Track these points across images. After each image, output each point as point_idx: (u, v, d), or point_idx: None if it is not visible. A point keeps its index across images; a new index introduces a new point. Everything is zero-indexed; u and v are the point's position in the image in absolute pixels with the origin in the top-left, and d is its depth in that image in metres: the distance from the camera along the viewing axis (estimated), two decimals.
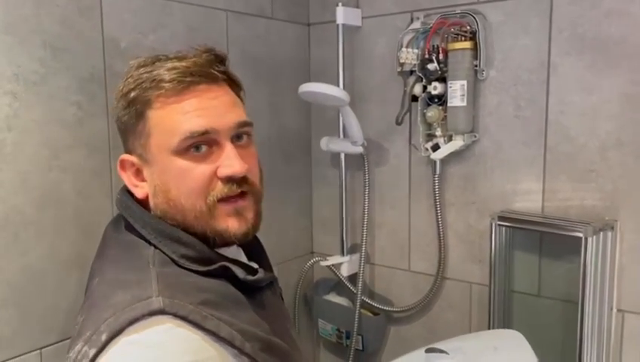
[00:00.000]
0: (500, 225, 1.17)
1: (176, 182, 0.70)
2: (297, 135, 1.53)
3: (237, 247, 0.80)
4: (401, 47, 1.30)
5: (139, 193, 0.74)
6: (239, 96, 0.77)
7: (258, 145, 1.40)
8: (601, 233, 1.07)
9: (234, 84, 0.76)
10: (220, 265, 0.69)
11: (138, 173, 0.74)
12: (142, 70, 0.72)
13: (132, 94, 0.71)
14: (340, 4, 1.36)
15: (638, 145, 1.07)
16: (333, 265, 1.45)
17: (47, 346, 0.99)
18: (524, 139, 1.20)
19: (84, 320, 0.66)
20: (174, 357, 0.60)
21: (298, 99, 1.28)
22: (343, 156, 1.44)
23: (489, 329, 1.22)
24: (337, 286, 1.53)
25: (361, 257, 1.42)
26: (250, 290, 0.72)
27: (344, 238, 1.46)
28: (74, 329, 0.69)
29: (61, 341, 1.00)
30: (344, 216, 1.45)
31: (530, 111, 1.18)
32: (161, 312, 0.61)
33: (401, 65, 1.32)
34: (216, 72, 0.72)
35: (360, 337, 1.43)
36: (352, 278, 1.45)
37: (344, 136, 1.41)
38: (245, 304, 0.70)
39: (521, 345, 0.99)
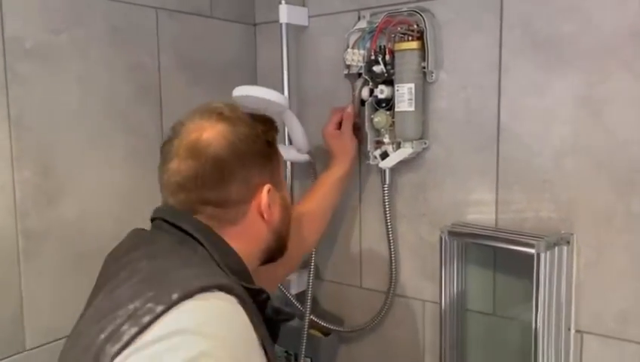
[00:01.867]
0: (450, 238, 1.08)
1: (285, 214, 0.87)
2: None
3: None
4: (347, 47, 1.21)
5: (274, 218, 0.84)
6: None
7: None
8: (556, 248, 0.98)
9: None
10: (259, 288, 0.73)
11: (274, 201, 0.83)
12: (252, 117, 0.84)
13: (269, 134, 0.85)
14: (283, 1, 1.26)
15: (595, 152, 0.98)
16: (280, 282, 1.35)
17: None
18: (476, 146, 1.11)
19: (137, 289, 0.65)
20: (237, 327, 0.64)
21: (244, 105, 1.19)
22: (289, 165, 1.34)
23: (441, 349, 1.13)
24: (287, 303, 1.42)
25: (309, 274, 1.32)
26: (271, 321, 0.77)
27: None
28: (110, 301, 0.67)
29: None
30: None
31: (482, 116, 1.10)
32: (229, 290, 0.65)
33: (348, 67, 1.23)
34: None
35: (309, 359, 1.33)
36: (301, 296, 1.35)
37: (290, 143, 1.31)
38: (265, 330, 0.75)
39: None
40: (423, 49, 1.11)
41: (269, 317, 0.75)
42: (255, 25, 1.43)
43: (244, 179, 0.76)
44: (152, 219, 0.79)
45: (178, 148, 0.75)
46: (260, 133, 0.80)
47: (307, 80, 1.35)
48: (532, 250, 0.96)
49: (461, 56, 1.11)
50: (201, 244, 0.73)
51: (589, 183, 0.99)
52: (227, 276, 0.70)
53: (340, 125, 1.20)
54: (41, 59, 0.97)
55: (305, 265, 1.35)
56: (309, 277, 1.32)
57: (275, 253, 0.85)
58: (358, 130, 1.22)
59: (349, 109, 1.20)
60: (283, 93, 1.30)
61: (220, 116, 0.77)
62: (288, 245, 0.89)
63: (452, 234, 1.08)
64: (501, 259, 1.10)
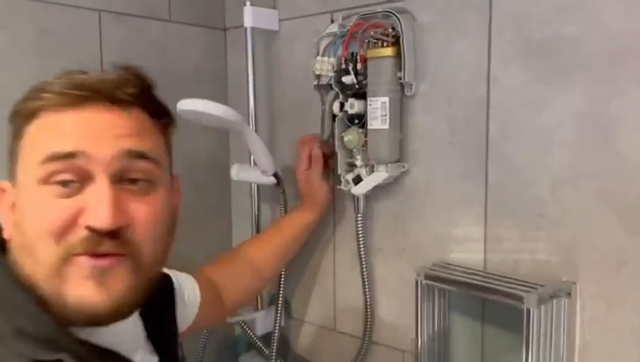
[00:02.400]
0: (428, 284, 0.91)
1: (30, 218, 0.52)
2: (212, 161, 1.28)
3: (135, 324, 0.62)
4: (317, 55, 1.05)
5: (7, 237, 0.56)
6: (164, 133, 0.61)
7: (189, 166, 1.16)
8: (554, 301, 0.80)
9: (157, 117, 0.60)
10: (55, 360, 0.50)
11: (13, 206, 0.55)
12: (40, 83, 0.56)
13: (14, 108, 0.56)
14: (247, 3, 1.11)
15: (602, 180, 0.79)
16: (244, 321, 1.19)
17: None
18: (462, 172, 0.93)
19: None
20: None
21: None
22: (255, 187, 1.19)
23: None
24: (253, 347, 1.26)
25: (277, 313, 1.15)
26: None
27: None
28: None
29: None
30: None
31: (468, 136, 0.92)
32: None
33: (318, 77, 1.06)
34: (124, 94, 0.55)
35: None
36: (269, 338, 1.18)
37: (254, 163, 1.15)
38: None
39: None
40: (399, 56, 0.94)
41: None
42: (225, 30, 1.28)
43: None
44: None
45: None
46: (13, 109, 0.56)
47: (278, 90, 1.19)
48: (521, 305, 0.77)
49: (444, 65, 0.93)
50: None
51: (593, 219, 0.80)
52: (3, 339, 0.50)
53: (310, 161, 1.05)
54: None
55: (272, 301, 1.19)
56: (277, 316, 1.15)
57: (53, 311, 0.53)
58: (330, 159, 1.06)
59: (316, 149, 1.04)
60: (249, 104, 1.15)
61: None
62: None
63: (430, 278, 0.90)
64: (490, 308, 0.92)
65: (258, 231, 1.19)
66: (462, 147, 0.93)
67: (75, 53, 1.01)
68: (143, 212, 0.54)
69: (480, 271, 0.90)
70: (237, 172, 1.15)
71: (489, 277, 0.86)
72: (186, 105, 0.93)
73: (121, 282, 0.53)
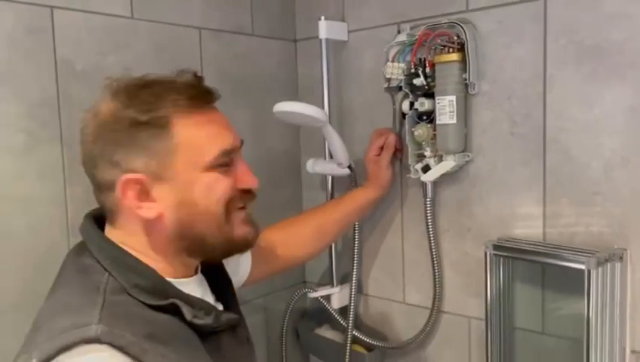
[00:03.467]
0: (495, 254, 1.06)
1: (205, 194, 0.71)
2: (285, 157, 1.44)
3: (202, 280, 0.80)
4: (387, 61, 1.21)
5: (148, 213, 0.70)
6: None
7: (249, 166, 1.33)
8: (608, 264, 0.94)
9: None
10: (170, 303, 0.68)
11: (143, 193, 0.70)
12: (141, 92, 0.70)
13: (145, 116, 0.68)
14: (322, 17, 1.27)
15: None
16: (322, 296, 1.35)
17: None
18: (522, 159, 1.08)
19: (25, 343, 0.65)
20: None
21: None
22: (330, 179, 1.34)
23: None
24: (331, 318, 1.42)
25: (351, 288, 1.31)
26: (203, 332, 0.71)
27: (333, 267, 1.35)
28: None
29: None
30: (334, 243, 1.35)
31: (527, 128, 1.07)
32: (97, 341, 0.59)
33: (388, 80, 1.22)
34: (216, 92, 0.76)
35: None
36: (344, 311, 1.34)
37: (330, 157, 1.31)
38: (196, 345, 0.69)
39: None
40: (464, 61, 1.09)
41: (193, 325, 0.69)
42: (295, 41, 1.44)
43: (107, 164, 0.69)
44: None
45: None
46: (135, 113, 0.68)
47: (347, 94, 1.35)
48: (582, 266, 0.92)
49: (504, 67, 1.09)
50: (105, 268, 0.69)
51: None
52: (124, 293, 0.67)
53: (381, 149, 1.20)
54: (90, 80, 1.01)
55: (347, 279, 1.34)
56: (352, 291, 1.31)
57: (210, 254, 0.77)
58: (399, 151, 1.22)
59: (391, 139, 1.20)
60: (323, 107, 1.30)
61: (109, 90, 0.71)
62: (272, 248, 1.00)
63: (498, 249, 1.05)
64: (550, 274, 1.06)
65: None
66: (521, 138, 1.08)
67: (182, 66, 1.17)
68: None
69: (540, 242, 1.05)
70: (312, 166, 1.31)
71: (550, 246, 1.01)
72: (283, 107, 1.09)
73: (254, 222, 0.79)
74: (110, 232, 0.74)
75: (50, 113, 0.97)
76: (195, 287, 0.77)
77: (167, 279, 0.72)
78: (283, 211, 1.43)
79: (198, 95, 0.72)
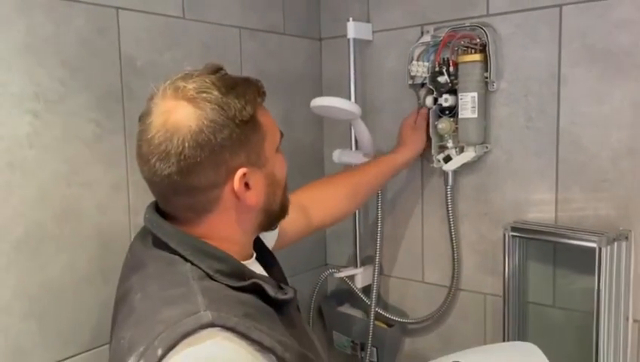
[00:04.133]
0: (513, 235, 1.17)
1: (281, 171, 0.82)
2: (310, 148, 1.55)
3: (255, 261, 0.85)
4: (412, 60, 1.32)
5: (252, 200, 0.77)
6: None
7: None
8: (615, 243, 1.07)
9: None
10: (252, 282, 0.73)
11: (246, 184, 0.76)
12: (230, 94, 0.73)
13: (245, 115, 0.73)
14: (350, 19, 1.38)
15: None
16: (347, 276, 1.46)
17: (66, 359, 1.01)
18: (536, 150, 1.20)
19: (133, 336, 0.67)
20: None
21: (310, 113, 1.29)
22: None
23: (504, 340, 1.21)
24: (351, 297, 1.53)
25: (374, 269, 1.42)
26: (278, 306, 0.75)
27: (357, 250, 1.46)
28: (118, 345, 0.70)
29: (79, 353, 1.02)
30: (357, 227, 1.46)
31: (542, 122, 1.19)
32: (211, 325, 0.63)
33: (412, 78, 1.33)
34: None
35: (374, 349, 1.43)
36: (366, 290, 1.45)
37: (356, 148, 1.42)
38: (276, 318, 0.74)
39: (537, 357, 0.98)
40: (485, 61, 1.21)
41: (277, 301, 0.75)
42: (321, 40, 1.54)
43: (211, 167, 0.72)
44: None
45: (148, 132, 0.72)
46: (234, 115, 0.72)
47: (371, 90, 1.45)
48: (594, 245, 1.04)
49: (521, 67, 1.20)
50: (185, 258, 0.73)
51: None
52: (209, 279, 0.72)
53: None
54: (148, 75, 1.10)
55: (369, 261, 1.45)
56: (375, 271, 1.42)
57: (270, 224, 0.85)
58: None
59: (423, 110, 1.31)
60: (350, 97, 1.41)
61: (186, 96, 0.72)
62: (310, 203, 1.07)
63: (515, 230, 1.17)
64: (560, 254, 1.19)
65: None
66: (536, 131, 1.19)
67: (225, 62, 1.27)
68: None
69: (553, 225, 1.17)
70: (339, 156, 1.41)
71: (562, 228, 1.14)
72: (320, 102, 1.20)
73: None
74: (187, 230, 0.76)
75: (115, 105, 1.06)
76: (258, 266, 0.84)
77: (242, 262, 0.77)
78: None
79: (262, 89, 0.80)
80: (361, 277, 1.45)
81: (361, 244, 1.48)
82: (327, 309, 1.56)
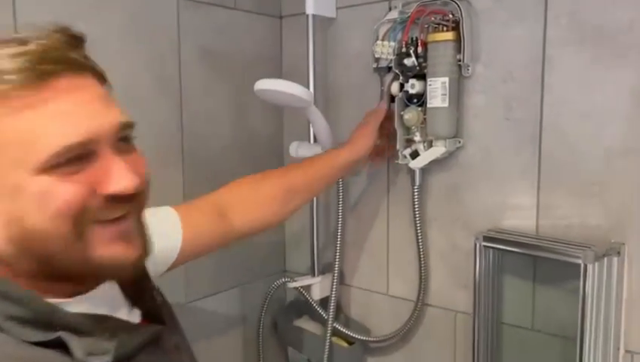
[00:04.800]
0: (485, 246, 1.00)
1: (38, 205, 0.50)
2: (268, 139, 1.37)
3: (109, 287, 0.61)
4: (377, 39, 1.14)
5: None
6: None
7: (221, 151, 1.24)
8: (605, 259, 0.89)
9: (99, 75, 0.57)
10: (55, 337, 0.51)
11: None
12: None
13: None
14: None
15: None
16: (302, 286, 1.29)
17: None
18: (516, 145, 1.02)
19: None
20: None
21: None
22: None
23: None
24: (311, 309, 1.36)
25: (333, 278, 1.25)
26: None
27: (315, 257, 1.29)
28: None
29: None
30: (315, 231, 1.29)
31: (523, 113, 1.01)
32: None
33: (377, 60, 1.15)
34: (80, 59, 0.54)
35: None
36: (325, 302, 1.28)
37: (315, 140, 1.24)
38: None
39: None
40: (458, 40, 1.03)
41: None
42: (281, 17, 1.37)
43: None
44: None
45: None
46: None
47: (334, 74, 1.28)
48: (578, 261, 0.87)
49: (500, 48, 1.02)
50: None
51: None
52: None
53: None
54: None
55: (328, 269, 1.28)
56: (333, 281, 1.25)
57: (61, 276, 0.55)
58: (389, 132, 1.13)
59: (382, 105, 1.12)
60: (309, 87, 1.23)
61: None
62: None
63: (488, 240, 0.99)
64: (542, 269, 1.01)
65: (317, 205, 1.28)
66: (517, 123, 1.02)
67: (157, 38, 1.10)
68: (142, 167, 0.57)
69: (533, 235, 1.00)
70: (296, 149, 1.24)
71: (543, 239, 0.96)
72: (265, 85, 1.02)
73: (140, 237, 0.57)
74: None
75: None
76: (97, 302, 0.58)
77: (56, 301, 0.54)
78: None
79: (41, 62, 0.50)
80: (318, 287, 1.28)
81: (320, 250, 1.30)
82: (282, 322, 1.38)
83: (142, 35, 1.07)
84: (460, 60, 1.04)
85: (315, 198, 1.27)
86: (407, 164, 1.11)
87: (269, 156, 1.37)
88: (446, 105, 1.04)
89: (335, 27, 1.27)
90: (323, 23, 1.27)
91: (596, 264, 0.87)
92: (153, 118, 1.10)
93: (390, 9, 1.15)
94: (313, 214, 1.28)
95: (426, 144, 1.10)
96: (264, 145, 1.36)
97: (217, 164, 1.24)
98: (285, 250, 1.43)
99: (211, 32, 1.21)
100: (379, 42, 1.13)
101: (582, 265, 0.86)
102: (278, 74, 1.37)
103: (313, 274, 1.29)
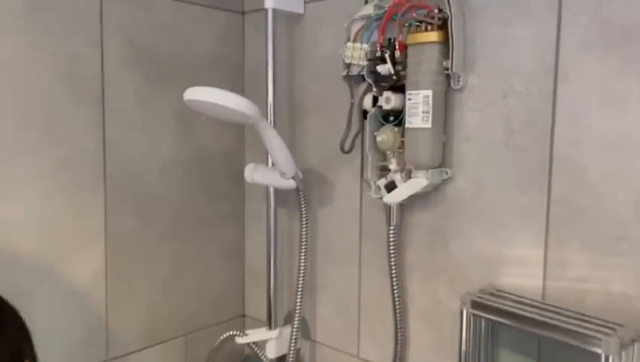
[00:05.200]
0: (474, 314, 0.76)
1: None
2: (225, 159, 1.15)
3: None
4: (347, 40, 0.91)
5: None
6: None
7: (158, 174, 1.02)
8: (635, 346, 0.64)
9: None
10: None
11: None
12: None
13: None
14: None
15: None
16: (255, 342, 1.06)
17: None
18: (518, 180, 0.78)
19: None
20: None
21: None
22: (272, 191, 1.05)
23: None
24: None
25: (292, 333, 1.02)
26: None
27: (272, 304, 1.06)
28: None
29: None
30: (272, 271, 1.06)
31: (528, 138, 0.77)
32: None
33: (348, 66, 0.92)
34: None
35: None
36: (282, 361, 1.05)
37: (272, 164, 1.02)
38: None
39: None
40: (446, 42, 0.80)
41: None
42: (243, 13, 1.15)
43: None
44: None
45: None
46: None
47: (301, 80, 1.06)
48: (598, 350, 0.62)
49: (500, 54, 0.79)
50: None
51: None
52: None
53: None
54: None
55: (288, 320, 1.05)
56: (292, 337, 1.02)
57: None
58: None
59: None
60: (267, 96, 1.01)
61: None
62: None
63: (477, 306, 0.75)
64: (549, 349, 0.76)
65: (274, 239, 1.05)
66: (520, 151, 0.78)
67: (73, 32, 0.88)
68: None
69: (538, 300, 0.75)
70: (251, 173, 1.01)
71: (549, 309, 0.71)
72: (195, 95, 0.80)
73: None
74: None
75: None
76: None
77: None
78: (220, 226, 1.14)
79: None
80: (275, 344, 1.05)
81: (279, 296, 1.07)
82: None
83: (47, 27, 0.85)
84: (447, 68, 0.80)
85: (273, 228, 1.04)
86: (381, 198, 0.88)
87: (227, 178, 1.15)
88: (429, 125, 0.81)
89: (303, 25, 1.04)
90: (289, 20, 1.04)
91: (623, 354, 0.62)
92: (64, 133, 0.89)
93: (367, 2, 0.92)
94: (271, 251, 1.05)
95: (404, 174, 0.86)
96: (218, 165, 1.14)
97: (152, 188, 1.02)
98: (244, 289, 1.21)
99: (149, 28, 0.99)
100: (349, 44, 0.90)
101: (602, 357, 0.62)
102: (239, 78, 1.15)
103: (270, 326, 1.06)
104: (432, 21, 0.80)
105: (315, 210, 1.04)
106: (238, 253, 1.19)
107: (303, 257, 1.01)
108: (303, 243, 1.01)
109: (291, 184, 0.97)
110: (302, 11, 1.03)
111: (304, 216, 1.00)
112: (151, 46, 1.00)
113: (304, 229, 1.01)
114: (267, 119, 1.01)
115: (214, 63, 1.10)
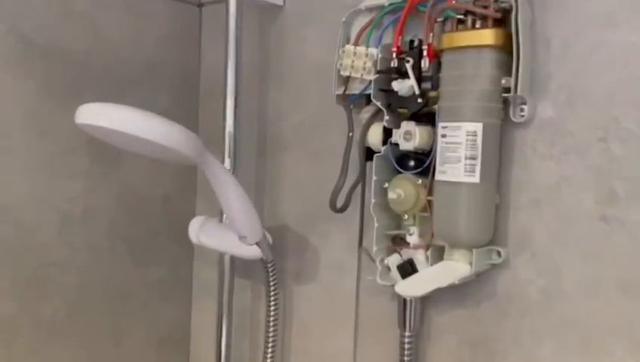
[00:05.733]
0: None
1: None
2: (164, 205, 0.83)
3: None
4: (346, 43, 0.60)
5: None
6: None
7: (71, 223, 0.71)
8: None
9: None
10: None
11: None
12: None
13: None
14: None
15: None
16: None
17: None
18: (620, 277, 0.48)
19: None
20: None
21: None
22: (228, 259, 0.73)
23: None
24: None
25: None
26: None
27: None
28: None
29: None
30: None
31: (638, 212, 0.47)
32: None
33: (345, 81, 0.61)
34: None
35: None
36: None
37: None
38: None
39: None
40: (507, 49, 0.50)
41: None
42: (200, 5, 0.84)
43: None
44: None
45: None
46: None
47: (279, 101, 0.76)
48: None
49: (596, 70, 0.49)
50: None
51: None
52: None
53: None
54: None
55: None
56: None
57: None
58: None
59: None
60: (225, 121, 0.70)
61: None
62: None
63: None
64: None
65: (228, 324, 0.73)
66: (623, 228, 0.47)
67: None
68: None
69: None
70: (197, 232, 0.69)
71: None
72: (89, 117, 0.48)
73: None
74: None
75: None
76: None
77: None
78: (155, 301, 0.82)
79: None
80: None
81: None
82: None
83: None
84: (507, 90, 0.50)
85: (227, 309, 0.73)
86: (392, 286, 0.57)
87: (161, 236, 0.83)
88: (475, 179, 0.51)
89: (283, 21, 0.74)
90: (264, 15, 0.75)
91: None
92: None
93: None
94: (221, 338, 0.73)
95: (430, 252, 0.55)
96: (153, 215, 0.82)
97: (46, 252, 0.70)
98: None
99: (52, 15, 0.68)
100: (348, 48, 0.59)
101: None
102: (191, 96, 0.84)
103: None
104: (486, 12, 0.50)
105: (291, 287, 0.73)
106: (181, 337, 0.86)
107: (270, 353, 0.69)
108: (271, 335, 0.69)
109: (254, 252, 0.66)
110: (281, 2, 0.73)
111: (272, 296, 0.69)
112: (54, 42, 0.68)
113: (272, 315, 0.70)
114: (225, 155, 0.70)
115: (153, 72, 0.80)
